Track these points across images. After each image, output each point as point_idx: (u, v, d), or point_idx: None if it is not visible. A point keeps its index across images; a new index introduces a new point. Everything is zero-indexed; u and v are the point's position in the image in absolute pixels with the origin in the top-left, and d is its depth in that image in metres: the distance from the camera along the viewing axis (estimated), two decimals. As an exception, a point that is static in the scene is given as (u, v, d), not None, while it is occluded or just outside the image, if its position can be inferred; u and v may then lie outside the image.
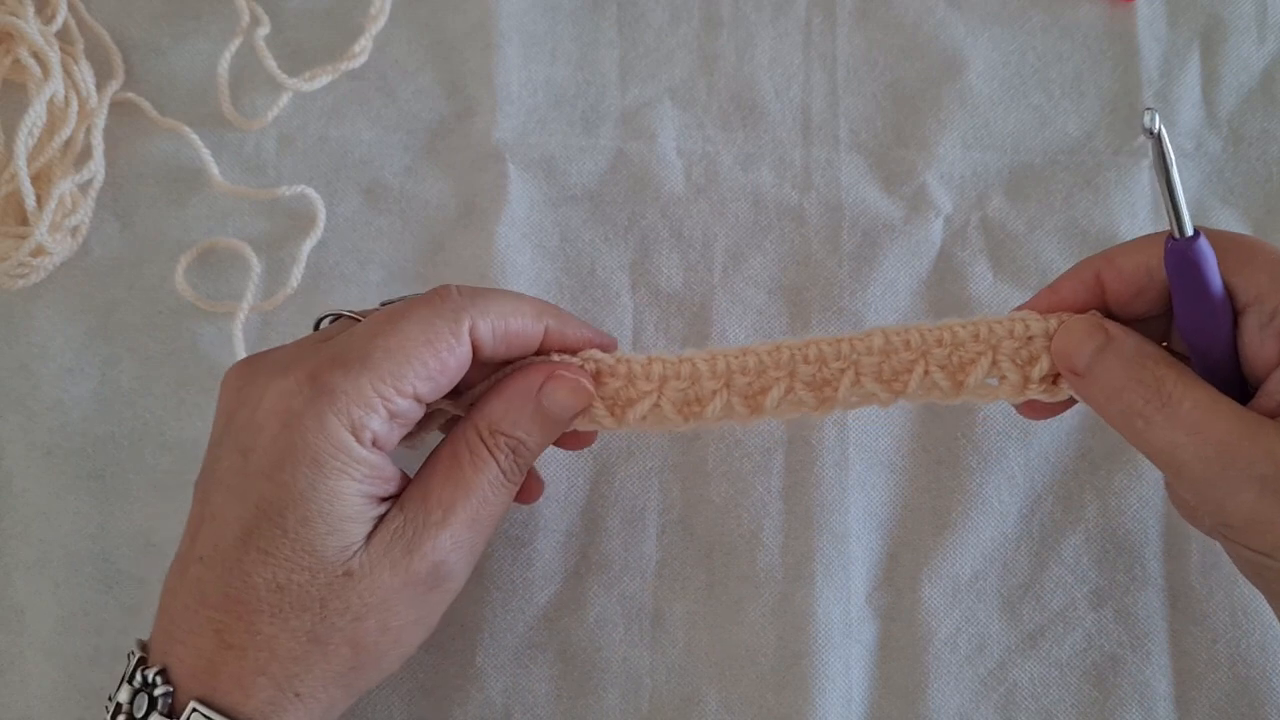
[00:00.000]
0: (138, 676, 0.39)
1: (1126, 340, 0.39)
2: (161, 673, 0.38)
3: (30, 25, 0.51)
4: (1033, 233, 0.52)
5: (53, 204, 0.50)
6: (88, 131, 0.52)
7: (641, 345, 0.51)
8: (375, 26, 0.54)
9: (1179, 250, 0.38)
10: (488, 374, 0.43)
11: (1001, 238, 0.52)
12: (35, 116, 0.50)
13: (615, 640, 0.48)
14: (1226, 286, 0.38)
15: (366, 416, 0.38)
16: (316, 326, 0.44)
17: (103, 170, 0.52)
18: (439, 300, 0.40)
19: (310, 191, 0.52)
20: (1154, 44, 0.54)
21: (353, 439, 0.38)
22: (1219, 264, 0.38)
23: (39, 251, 0.50)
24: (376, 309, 0.42)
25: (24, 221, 0.51)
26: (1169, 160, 0.36)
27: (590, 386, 0.42)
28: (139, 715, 0.38)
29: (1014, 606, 0.49)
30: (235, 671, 0.38)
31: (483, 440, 0.41)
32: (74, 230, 0.51)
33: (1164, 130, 0.36)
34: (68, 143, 0.52)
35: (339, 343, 0.39)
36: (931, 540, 0.49)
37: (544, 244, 0.52)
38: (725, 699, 0.48)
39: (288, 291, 0.51)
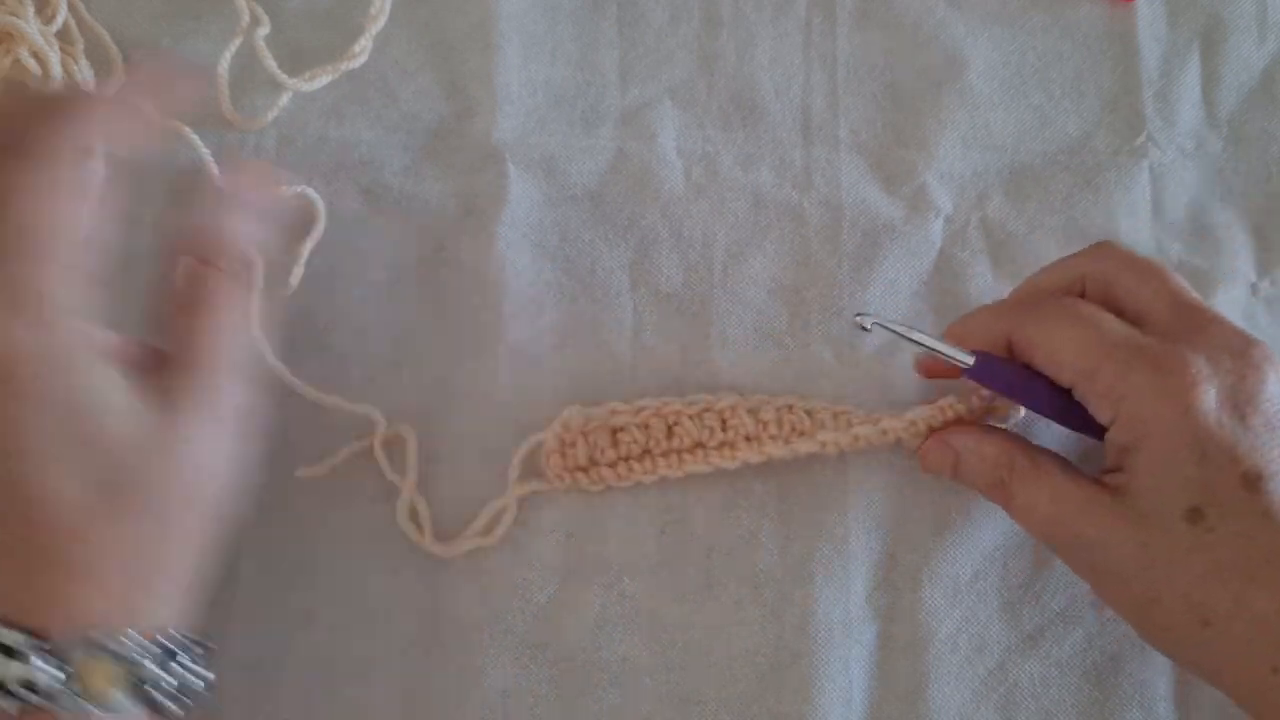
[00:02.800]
0: None
1: (971, 455, 0.45)
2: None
3: (30, 25, 0.51)
4: (1033, 233, 0.52)
5: (52, 204, 0.50)
6: (87, 131, 0.52)
7: (641, 345, 0.51)
8: (375, 26, 0.54)
9: (974, 376, 0.45)
10: None
11: (1001, 238, 0.52)
12: (34, 116, 0.50)
13: (615, 640, 0.48)
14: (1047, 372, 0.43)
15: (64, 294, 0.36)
16: None
17: (101, 169, 0.52)
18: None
19: (310, 191, 0.52)
20: (1154, 44, 0.54)
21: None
22: (1027, 351, 0.43)
23: (38, 251, 0.50)
24: None
25: (23, 222, 0.51)
26: (906, 336, 0.45)
27: None
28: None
29: (1014, 606, 0.49)
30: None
31: None
32: (73, 230, 0.51)
33: (879, 324, 0.45)
34: (67, 143, 0.52)
35: None
36: (931, 540, 0.49)
37: (544, 244, 0.52)
38: (724, 699, 0.48)
39: (287, 292, 0.51)
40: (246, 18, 0.53)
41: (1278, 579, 0.38)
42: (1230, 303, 0.52)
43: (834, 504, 0.49)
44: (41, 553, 0.34)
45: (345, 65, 0.53)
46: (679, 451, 0.48)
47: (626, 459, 0.48)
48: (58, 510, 0.34)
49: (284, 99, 0.53)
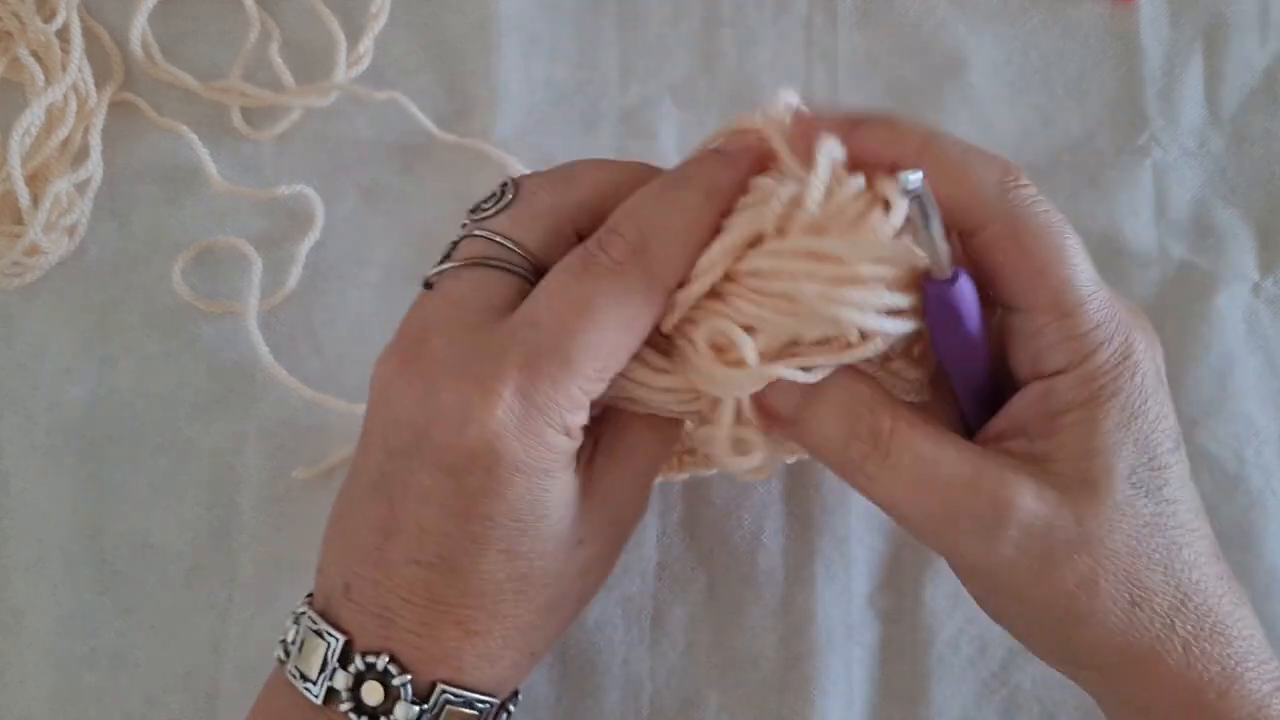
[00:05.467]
0: (356, 663, 0.36)
1: (834, 386, 0.36)
2: (395, 661, 0.36)
3: (32, 25, 0.52)
4: (1035, 232, 0.52)
5: (48, 203, 0.50)
6: (85, 131, 0.52)
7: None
8: (376, 26, 0.53)
9: (938, 293, 0.35)
10: None
11: (1003, 237, 0.52)
12: (33, 116, 0.50)
13: (615, 642, 0.48)
14: (1006, 287, 0.36)
15: (575, 415, 0.36)
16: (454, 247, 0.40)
17: (100, 170, 0.52)
18: (629, 272, 0.36)
19: (309, 191, 0.52)
20: (1156, 43, 0.54)
21: (567, 439, 0.36)
22: (1002, 264, 0.36)
23: (33, 250, 0.50)
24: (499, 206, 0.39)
25: (19, 221, 0.51)
26: (929, 208, 0.33)
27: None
28: (372, 702, 0.36)
29: (1016, 608, 0.48)
30: (482, 651, 0.37)
31: None
32: (70, 229, 0.51)
33: (924, 188, 0.33)
34: (65, 142, 0.52)
35: (526, 337, 0.35)
36: (933, 541, 0.49)
37: (544, 243, 0.52)
38: (726, 701, 0.47)
39: (286, 292, 0.51)
40: (257, 29, 0.53)
41: (1198, 547, 0.36)
42: (1233, 302, 0.52)
43: (835, 505, 0.49)
44: (456, 617, 0.37)
45: (352, 72, 0.53)
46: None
47: None
48: (483, 588, 0.37)
49: (295, 113, 0.53)
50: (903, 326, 0.35)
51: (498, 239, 0.38)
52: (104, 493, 0.50)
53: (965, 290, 0.35)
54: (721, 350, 0.36)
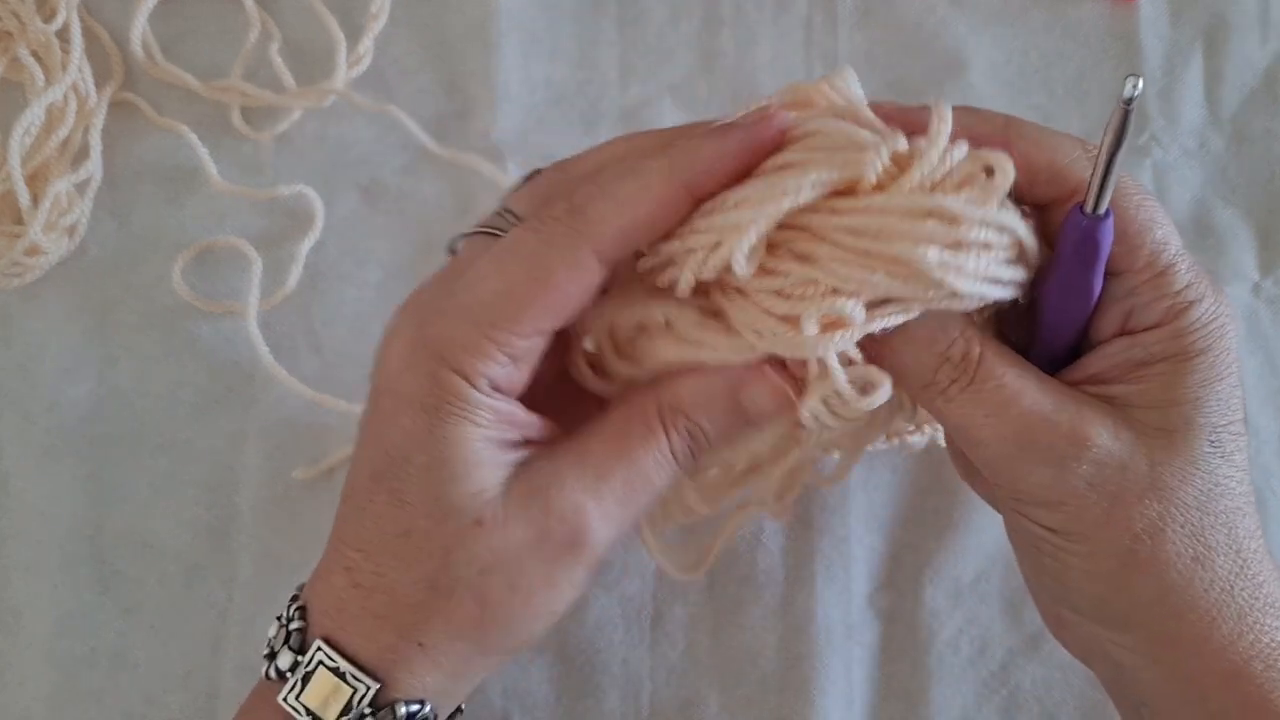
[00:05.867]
0: (284, 613, 0.38)
1: (917, 329, 0.36)
2: (302, 609, 0.38)
3: (32, 25, 0.51)
4: (1035, 232, 0.52)
5: (48, 203, 0.50)
6: (85, 131, 0.52)
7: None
8: (376, 27, 0.53)
9: (1086, 228, 0.35)
10: None
11: (1003, 237, 0.52)
12: (33, 116, 0.50)
13: (615, 642, 0.48)
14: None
15: (480, 363, 0.36)
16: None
17: (100, 170, 0.52)
18: (551, 229, 0.36)
19: (308, 191, 0.52)
20: (1156, 43, 0.54)
21: (467, 385, 0.36)
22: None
23: (34, 250, 0.50)
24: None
25: (19, 221, 0.51)
26: (1127, 131, 0.33)
27: (794, 398, 0.38)
28: (276, 647, 0.37)
29: (1017, 608, 0.48)
30: (358, 612, 0.37)
31: (660, 415, 0.38)
32: (70, 229, 0.51)
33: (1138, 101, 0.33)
34: (65, 142, 0.52)
35: (454, 285, 0.37)
36: (933, 541, 0.49)
37: (543, 243, 0.52)
38: (725, 701, 0.47)
39: (286, 292, 0.51)
40: (257, 29, 0.53)
41: (1255, 520, 0.37)
42: (1232, 302, 0.51)
43: (835, 505, 0.49)
44: (347, 561, 0.37)
45: (352, 72, 0.53)
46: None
47: None
48: (370, 533, 0.37)
49: (295, 113, 0.53)
50: (1001, 294, 0.35)
51: (501, 211, 0.40)
52: (104, 493, 0.50)
53: (1110, 230, 0.35)
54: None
